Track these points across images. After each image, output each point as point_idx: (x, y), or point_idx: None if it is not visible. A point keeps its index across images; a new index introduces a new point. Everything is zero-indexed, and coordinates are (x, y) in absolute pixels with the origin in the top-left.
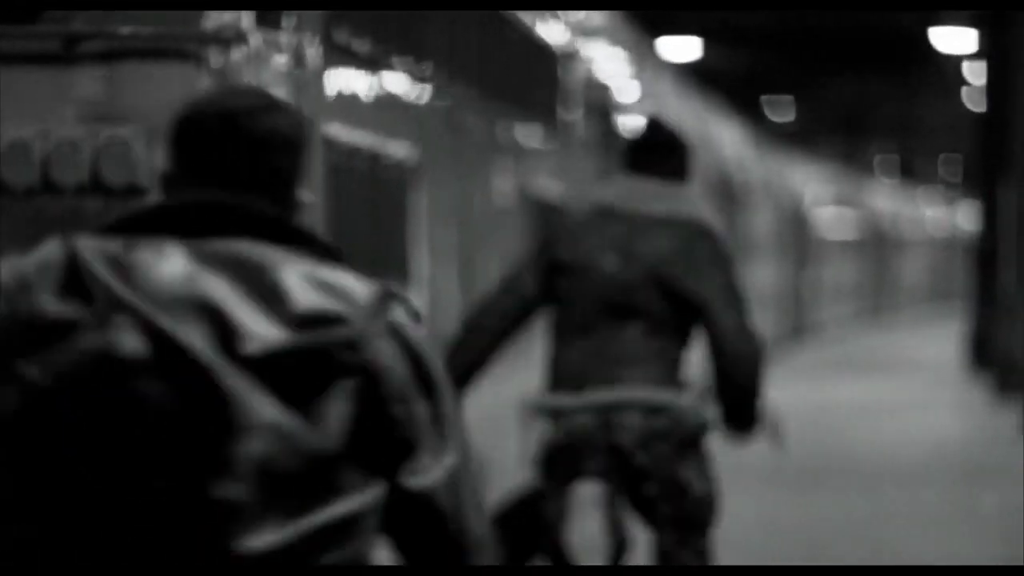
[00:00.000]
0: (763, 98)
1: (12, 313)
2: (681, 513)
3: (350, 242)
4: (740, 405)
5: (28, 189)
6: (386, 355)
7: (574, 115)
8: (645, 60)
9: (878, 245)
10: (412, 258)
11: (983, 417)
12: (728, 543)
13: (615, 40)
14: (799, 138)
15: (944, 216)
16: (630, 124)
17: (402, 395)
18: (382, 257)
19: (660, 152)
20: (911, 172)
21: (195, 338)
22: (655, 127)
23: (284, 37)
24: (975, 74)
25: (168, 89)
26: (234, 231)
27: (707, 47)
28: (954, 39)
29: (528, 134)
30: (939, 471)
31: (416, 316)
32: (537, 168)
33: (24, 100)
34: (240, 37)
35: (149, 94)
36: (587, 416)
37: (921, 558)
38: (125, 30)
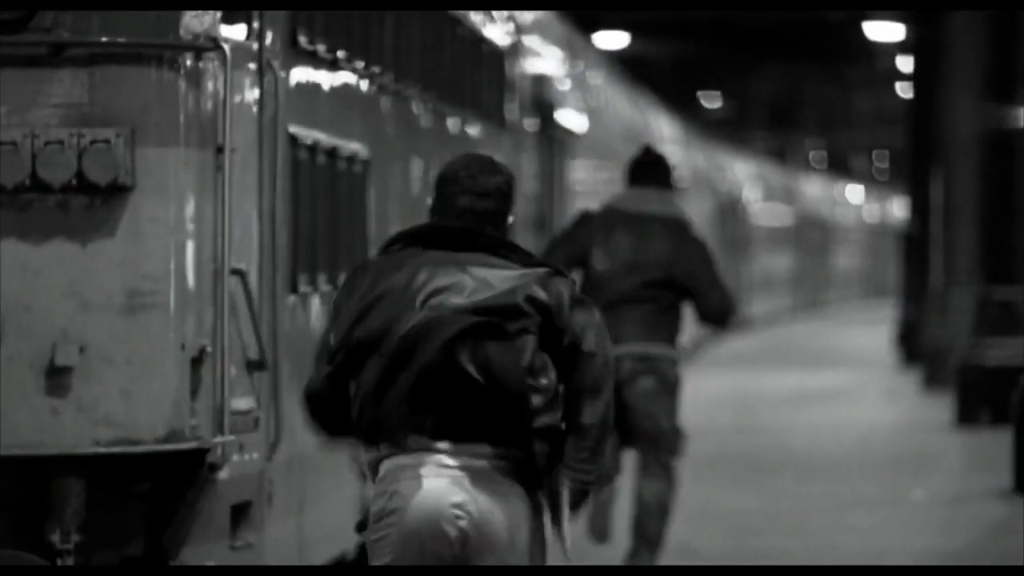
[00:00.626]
0: (696, 91)
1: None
2: (651, 435)
3: (311, 229)
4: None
5: (17, 187)
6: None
7: (517, 109)
8: (581, 55)
9: (813, 239)
10: (367, 245)
11: (913, 409)
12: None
13: (552, 37)
14: (732, 131)
15: (879, 209)
16: (567, 116)
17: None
18: (341, 242)
19: (652, 168)
20: (845, 165)
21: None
22: (648, 150)
23: (252, 43)
24: (907, 67)
25: (146, 93)
26: (473, 247)
27: (641, 41)
28: (886, 31)
29: (476, 128)
30: (869, 461)
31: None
32: None
33: (12, 104)
34: (212, 44)
35: (129, 98)
36: None
37: (850, 546)
38: (105, 38)
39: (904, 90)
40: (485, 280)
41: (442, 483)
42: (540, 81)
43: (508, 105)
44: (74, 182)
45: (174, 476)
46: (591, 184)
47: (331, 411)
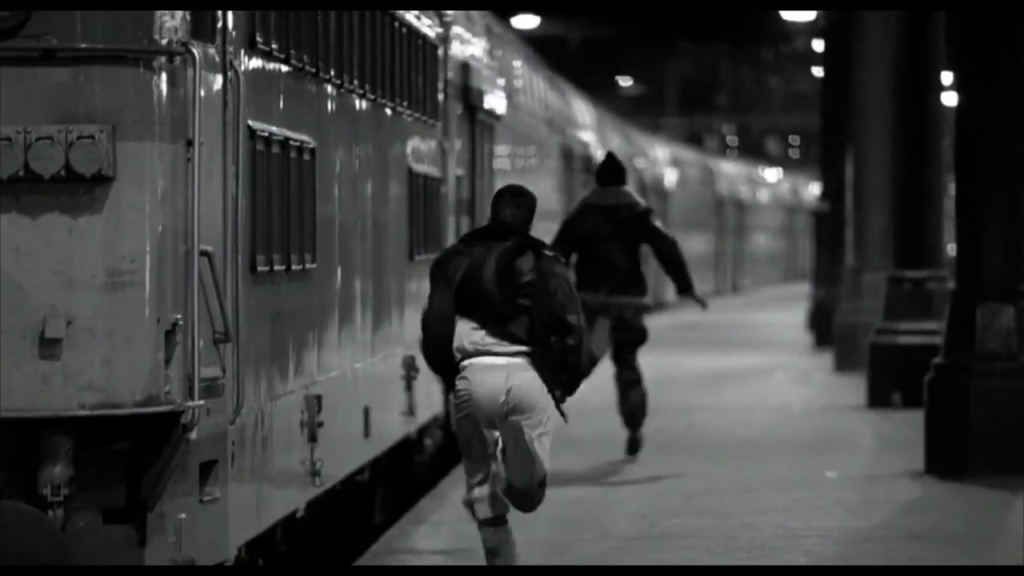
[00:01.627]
0: (610, 73)
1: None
2: (629, 336)
3: (267, 213)
4: (678, 273)
5: (11, 177)
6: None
7: (446, 97)
8: (502, 42)
9: (732, 222)
10: (315, 226)
11: (825, 390)
12: (574, 515)
13: (475, 25)
14: (647, 113)
15: (797, 192)
16: (491, 101)
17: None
18: (293, 225)
19: (614, 171)
20: (761, 148)
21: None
22: (611, 156)
23: (217, 46)
24: (822, 48)
25: (125, 92)
26: (510, 238)
27: (553, 22)
28: (800, 13)
29: (409, 117)
30: (781, 442)
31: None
32: (418, 146)
33: (7, 103)
34: (183, 48)
35: (110, 97)
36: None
37: (763, 526)
38: (85, 44)
39: (820, 72)
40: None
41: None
42: (466, 69)
43: (438, 94)
44: (62, 173)
45: (151, 436)
46: (514, 165)
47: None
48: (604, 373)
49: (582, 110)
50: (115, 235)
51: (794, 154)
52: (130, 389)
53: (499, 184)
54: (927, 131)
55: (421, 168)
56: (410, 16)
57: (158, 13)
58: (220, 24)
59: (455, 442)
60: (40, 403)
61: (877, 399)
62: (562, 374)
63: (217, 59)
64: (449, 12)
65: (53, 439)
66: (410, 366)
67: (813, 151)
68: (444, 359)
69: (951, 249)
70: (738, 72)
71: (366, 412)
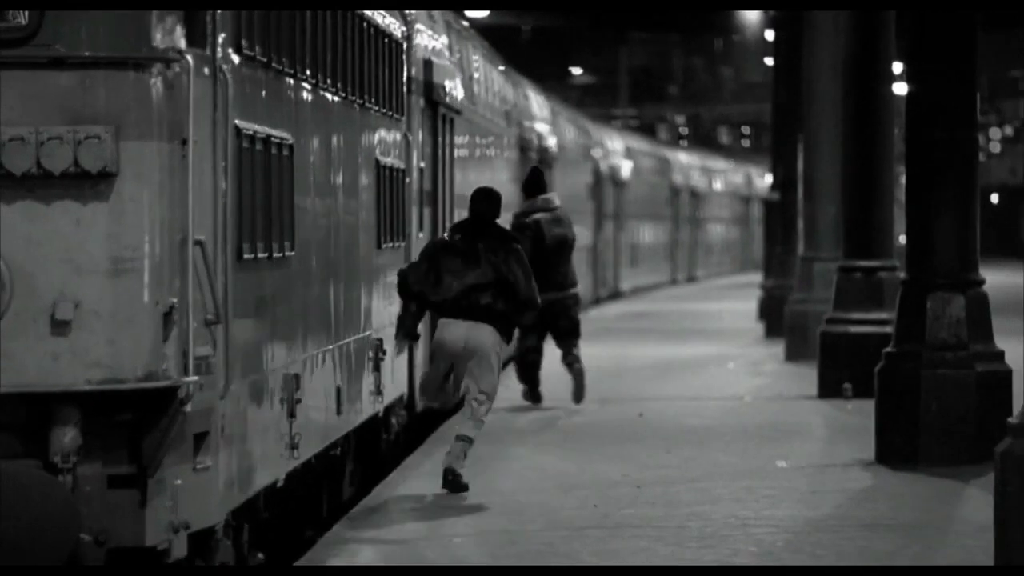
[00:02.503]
0: (562, 63)
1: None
2: (567, 327)
3: (247, 199)
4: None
5: (24, 174)
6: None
7: (410, 92)
8: (460, 37)
9: (688, 211)
10: (293, 216)
11: (776, 380)
12: (527, 502)
13: (436, 21)
14: (599, 103)
15: (752, 182)
16: (451, 96)
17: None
18: (274, 215)
19: (539, 182)
20: (715, 138)
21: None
22: (536, 170)
23: (207, 52)
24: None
25: (127, 96)
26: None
27: (509, 13)
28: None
29: (377, 112)
30: (732, 432)
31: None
32: (385, 140)
33: (20, 106)
34: (178, 55)
35: (114, 100)
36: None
37: (715, 515)
38: (89, 52)
39: (772, 62)
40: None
41: (459, 328)
42: (428, 65)
43: (403, 90)
44: (71, 170)
45: (151, 409)
46: (474, 157)
47: (415, 296)
48: (548, 368)
49: (537, 102)
50: (118, 226)
51: (746, 144)
52: (132, 366)
53: (459, 175)
54: (878, 121)
55: (387, 161)
56: (378, 17)
57: (155, 23)
58: (210, 32)
59: (418, 422)
60: (51, 379)
61: (828, 389)
62: (512, 329)
63: (207, 64)
64: (414, 11)
65: (63, 411)
66: (377, 348)
67: (765, 141)
68: (412, 301)
69: (902, 239)
70: (690, 62)
71: (338, 391)
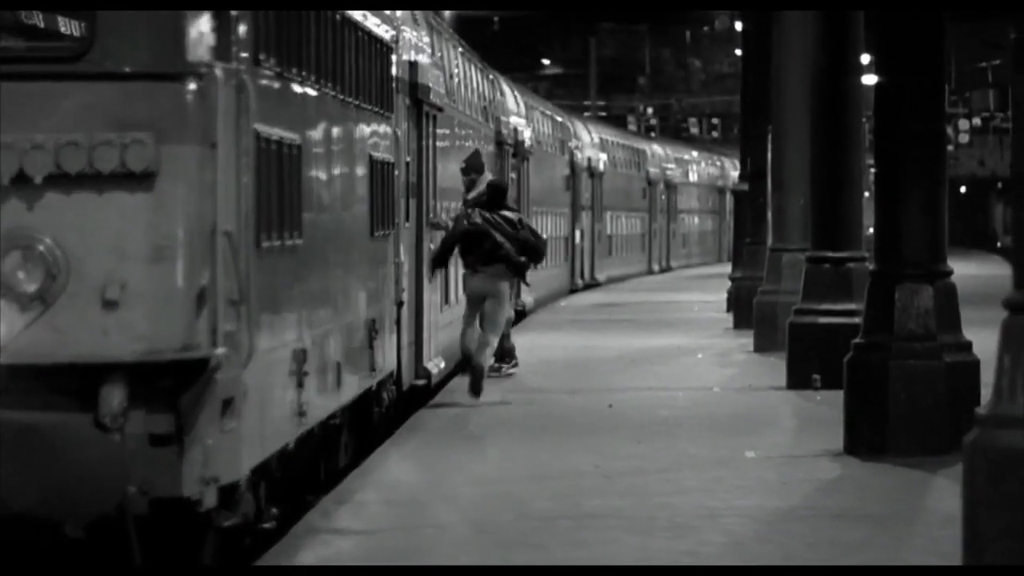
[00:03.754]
0: (536, 56)
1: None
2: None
3: (266, 194)
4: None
5: (78, 173)
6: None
7: (397, 92)
8: (440, 36)
9: (663, 203)
10: (300, 208)
11: (745, 371)
12: (497, 492)
13: (419, 23)
14: (568, 95)
15: (728, 174)
16: (433, 94)
17: None
18: (284, 208)
19: (500, 195)
20: (685, 129)
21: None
22: (497, 183)
23: (232, 65)
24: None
25: (166, 105)
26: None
27: (489, 8)
28: None
29: (370, 112)
30: (701, 423)
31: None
32: (377, 136)
33: (74, 113)
34: (208, 68)
35: (155, 109)
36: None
37: (683, 506)
38: (129, 68)
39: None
40: (506, 216)
41: (482, 278)
42: (413, 66)
43: (391, 89)
44: (118, 170)
45: (186, 377)
46: (454, 150)
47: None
48: (527, 361)
49: (513, 98)
50: (158, 218)
51: (715, 135)
52: (170, 340)
53: (441, 168)
54: (846, 112)
55: (379, 156)
56: (371, 24)
57: (188, 40)
58: (234, 47)
59: (406, 398)
60: (101, 351)
61: (797, 379)
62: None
63: (232, 76)
64: (398, 14)
65: (111, 379)
66: (371, 328)
67: (736, 132)
68: (444, 260)
69: (871, 230)
70: (659, 53)
71: (338, 366)
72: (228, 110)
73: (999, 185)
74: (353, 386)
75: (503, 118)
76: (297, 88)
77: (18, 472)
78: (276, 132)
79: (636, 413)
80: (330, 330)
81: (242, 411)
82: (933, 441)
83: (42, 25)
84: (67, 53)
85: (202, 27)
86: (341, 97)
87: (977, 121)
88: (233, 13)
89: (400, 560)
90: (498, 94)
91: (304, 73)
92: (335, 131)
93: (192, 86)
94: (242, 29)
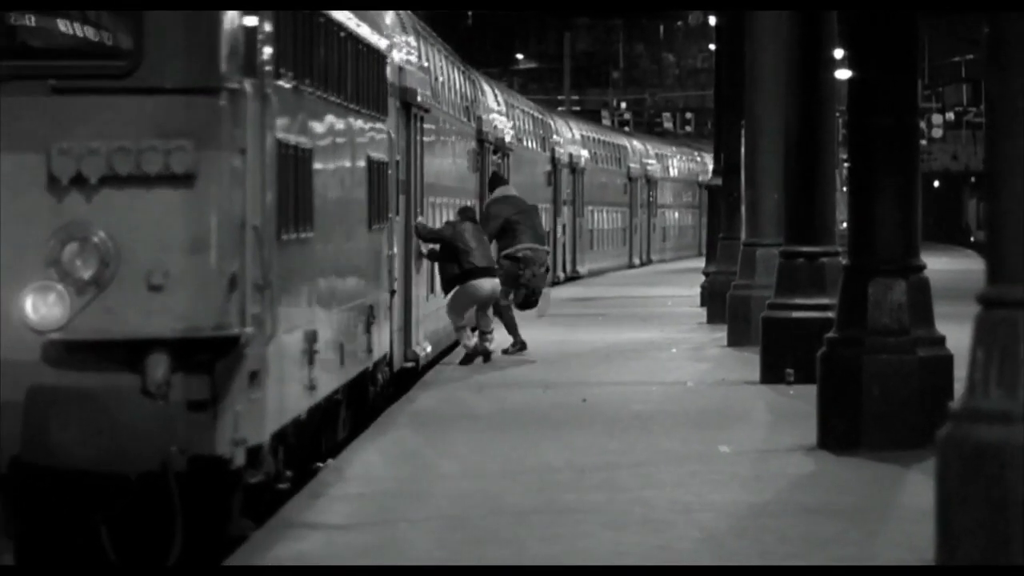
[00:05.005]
0: (510, 51)
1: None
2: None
3: (284, 193)
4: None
5: (128, 175)
6: None
7: (390, 96)
8: (425, 41)
9: (644, 198)
10: (312, 205)
11: (719, 365)
12: (470, 487)
13: (408, 35)
14: (541, 89)
15: (708, 169)
16: (420, 96)
17: None
18: (298, 204)
19: (499, 180)
20: (659, 125)
21: None
22: (496, 173)
23: (258, 80)
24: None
25: (203, 115)
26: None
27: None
28: None
29: (368, 117)
30: (674, 417)
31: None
32: (373, 138)
33: (124, 122)
34: (239, 84)
35: (194, 119)
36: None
37: (657, 500)
38: (173, 85)
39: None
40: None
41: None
42: (402, 72)
43: (385, 94)
44: (163, 172)
45: (220, 352)
46: (440, 149)
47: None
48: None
49: (493, 97)
50: (196, 214)
51: (689, 130)
52: (206, 319)
53: (428, 165)
54: (820, 107)
55: (375, 156)
56: (369, 36)
57: (222, 59)
58: (259, 64)
59: (397, 378)
60: (147, 328)
61: (770, 374)
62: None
63: (258, 90)
64: (388, 22)
65: (156, 353)
66: (369, 313)
67: (710, 127)
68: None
69: (845, 224)
70: (633, 48)
71: (341, 347)
72: (254, 120)
73: (972, 180)
74: (354, 365)
75: (484, 117)
76: (308, 98)
77: (78, 432)
78: (292, 138)
79: (610, 407)
80: (336, 314)
81: (265, 383)
82: (906, 436)
83: (96, 43)
84: (118, 72)
85: (233, 47)
86: (344, 104)
87: (950, 116)
88: (259, 36)
89: (373, 556)
90: (479, 94)
91: (314, 84)
92: (339, 135)
93: (225, 100)
94: (266, 49)
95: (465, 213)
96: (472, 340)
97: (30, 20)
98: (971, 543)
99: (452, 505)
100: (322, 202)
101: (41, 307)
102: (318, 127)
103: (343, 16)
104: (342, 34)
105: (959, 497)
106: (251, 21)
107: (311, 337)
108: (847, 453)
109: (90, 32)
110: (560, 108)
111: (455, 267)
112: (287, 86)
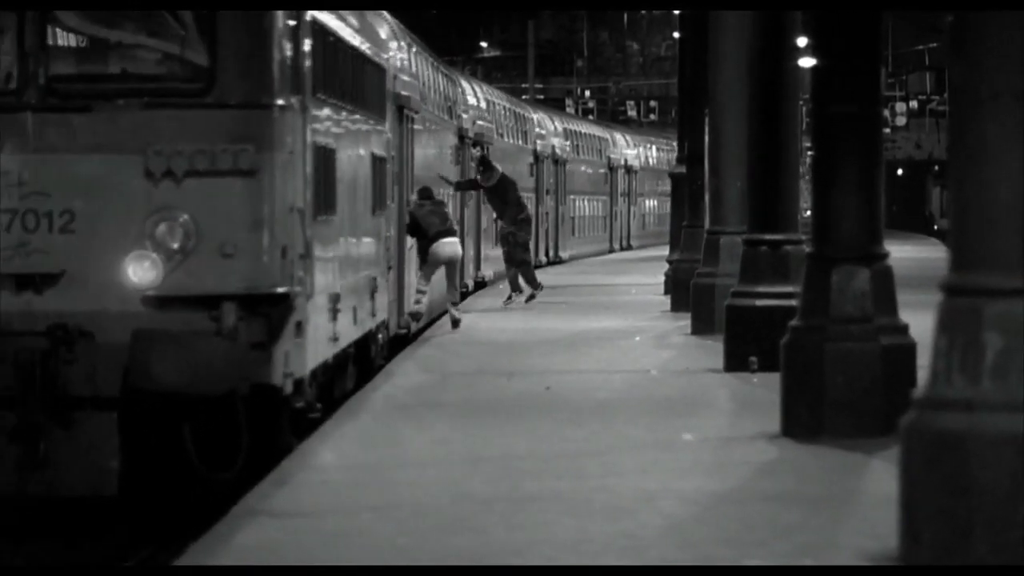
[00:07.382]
0: (474, 39)
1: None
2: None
3: (318, 184)
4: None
5: (206, 170)
6: None
7: (386, 101)
8: (414, 53)
9: (624, 186)
10: (335, 193)
11: (683, 354)
12: (434, 475)
13: (400, 45)
14: (507, 77)
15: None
16: (410, 100)
17: None
18: (328, 192)
19: (488, 165)
20: (624, 114)
21: None
22: (485, 157)
23: (301, 97)
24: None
25: (262, 125)
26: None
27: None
28: None
29: (372, 121)
30: (638, 405)
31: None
32: (376, 138)
33: (201, 131)
34: (287, 99)
35: (254, 128)
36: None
37: (620, 488)
38: (237, 101)
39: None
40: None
41: (452, 241)
42: (396, 79)
43: (384, 100)
44: (232, 168)
45: (275, 306)
46: (426, 146)
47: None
48: (476, 349)
49: (474, 95)
50: (256, 200)
51: (653, 118)
52: (265, 280)
53: (417, 158)
54: (783, 95)
55: (377, 152)
56: (373, 55)
57: (275, 82)
58: (303, 85)
59: (395, 342)
60: (220, 287)
61: (734, 362)
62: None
63: (301, 105)
64: (384, 36)
65: (227, 305)
66: (373, 284)
67: (674, 115)
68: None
69: (808, 212)
70: (597, 36)
71: (354, 309)
72: (299, 128)
73: (936, 168)
74: (363, 325)
75: (464, 115)
76: (333, 108)
77: (170, 364)
78: (322, 140)
79: (574, 395)
80: (351, 281)
81: (306, 330)
82: (869, 423)
83: (178, 68)
84: (197, 91)
85: (283, 71)
86: (356, 111)
87: (914, 104)
88: (301, 61)
89: (337, 543)
90: (460, 93)
91: (336, 96)
92: (353, 136)
93: (278, 113)
94: (306, 72)
95: (423, 193)
96: (457, 312)
97: (126, 46)
98: (935, 530)
99: (415, 493)
100: (342, 191)
101: (139, 271)
102: (339, 130)
103: (356, 40)
104: (354, 54)
105: (922, 484)
106: (295, 50)
107: (335, 299)
108: (810, 441)
109: (175, 60)
110: (524, 97)
111: (425, 240)
112: (320, 100)
